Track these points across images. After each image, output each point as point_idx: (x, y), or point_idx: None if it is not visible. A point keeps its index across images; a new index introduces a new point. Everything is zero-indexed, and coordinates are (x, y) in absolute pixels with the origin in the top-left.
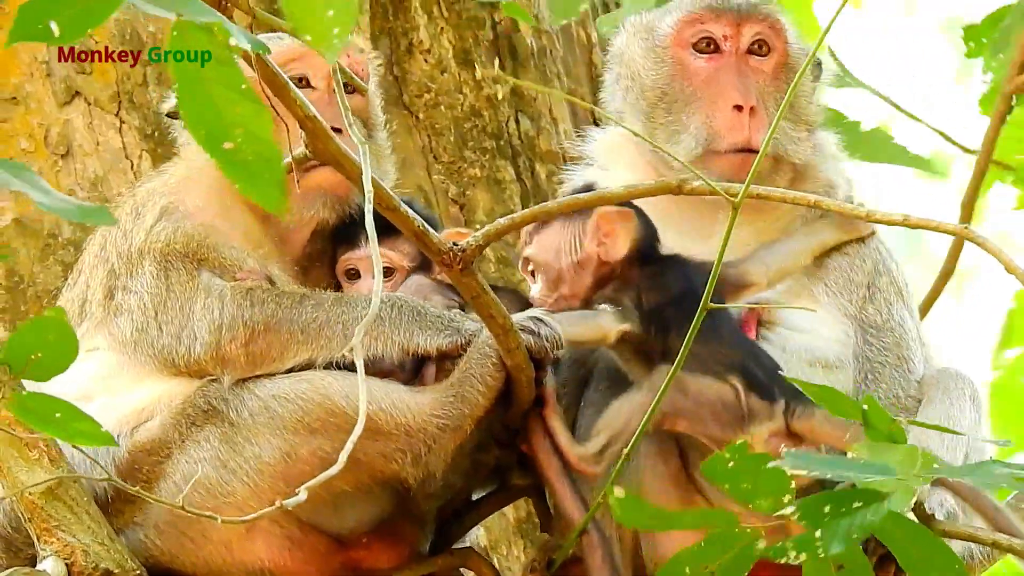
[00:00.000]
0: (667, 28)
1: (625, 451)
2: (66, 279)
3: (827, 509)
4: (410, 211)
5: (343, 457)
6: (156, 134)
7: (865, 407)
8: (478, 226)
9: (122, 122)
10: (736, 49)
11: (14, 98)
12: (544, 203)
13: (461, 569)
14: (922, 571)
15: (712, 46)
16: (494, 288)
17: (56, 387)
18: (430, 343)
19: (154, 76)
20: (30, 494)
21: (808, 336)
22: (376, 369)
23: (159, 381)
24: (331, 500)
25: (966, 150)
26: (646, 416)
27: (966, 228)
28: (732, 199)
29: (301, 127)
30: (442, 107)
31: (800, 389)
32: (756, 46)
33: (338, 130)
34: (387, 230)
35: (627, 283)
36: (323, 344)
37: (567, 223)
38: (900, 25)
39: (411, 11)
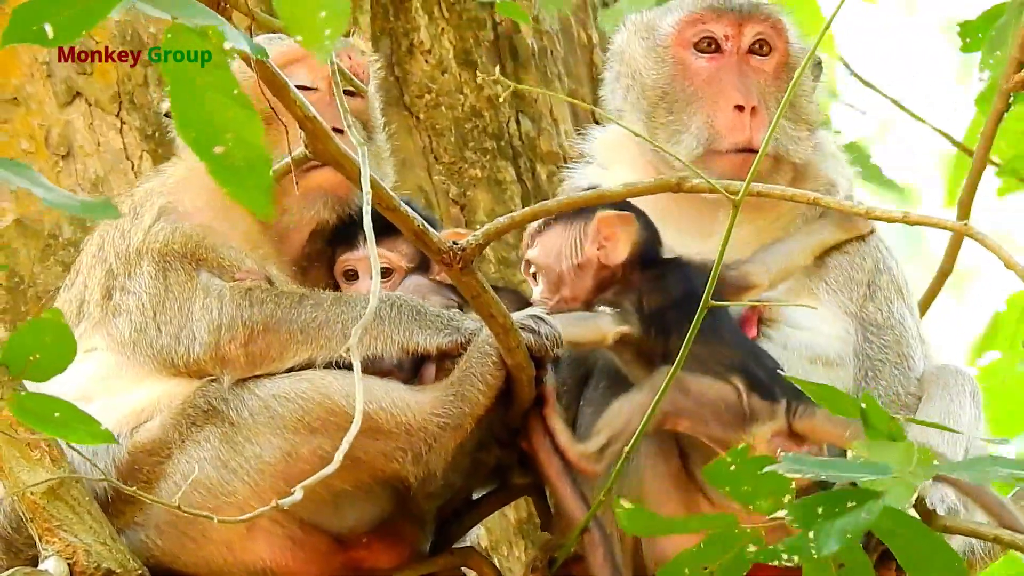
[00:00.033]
0: (668, 28)
1: (626, 450)
2: None
3: (820, 510)
4: (410, 210)
5: (339, 456)
6: (157, 135)
7: (864, 405)
8: (478, 227)
9: (123, 123)
10: (737, 49)
11: (15, 99)
12: (544, 201)
13: (462, 568)
14: (921, 568)
15: (713, 46)
16: (494, 288)
17: (55, 388)
18: (430, 342)
19: (155, 77)
20: (32, 494)
21: (809, 333)
22: (375, 369)
23: (158, 381)
24: (332, 499)
25: (968, 151)
26: (646, 416)
27: (966, 224)
28: (732, 197)
29: (301, 127)
30: (443, 108)
31: (801, 389)
32: (757, 46)
33: (338, 131)
34: (385, 231)
35: (628, 286)
36: (323, 344)
37: (568, 226)
38: (900, 25)
39: (412, 12)
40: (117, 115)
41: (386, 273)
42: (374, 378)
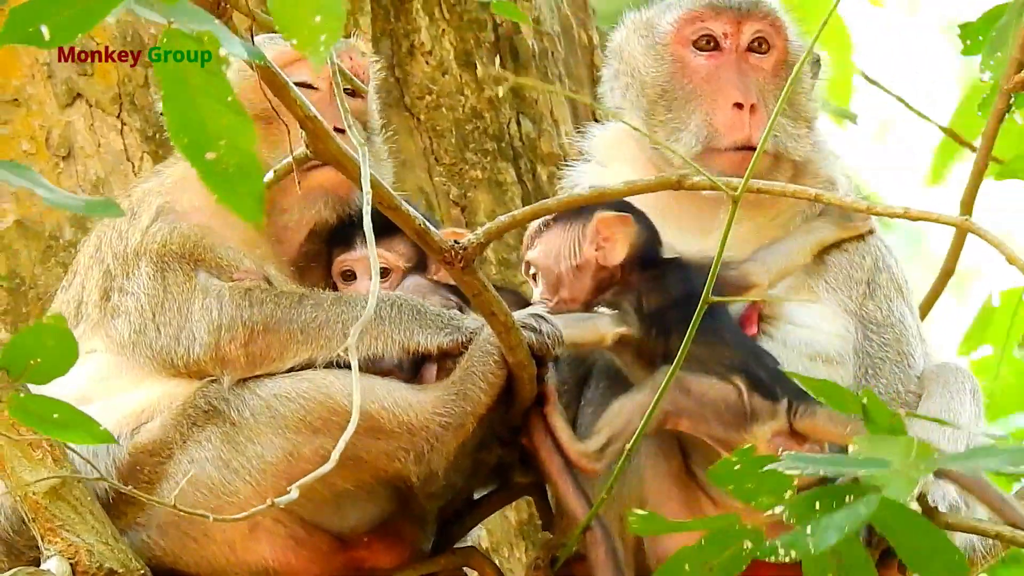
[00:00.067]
0: (667, 25)
1: (627, 448)
2: None
3: (818, 505)
4: (411, 210)
5: (335, 455)
6: (157, 136)
7: (865, 400)
8: (479, 227)
9: (123, 124)
10: (736, 47)
11: (15, 100)
12: (544, 200)
13: (463, 568)
14: (921, 563)
15: (712, 44)
16: (495, 288)
17: (55, 389)
18: (431, 341)
19: (155, 78)
20: (34, 494)
21: (809, 331)
22: (376, 368)
23: (158, 382)
24: (334, 499)
25: (972, 148)
26: (646, 416)
27: (967, 220)
28: (732, 193)
29: (302, 127)
30: (443, 109)
31: (803, 388)
32: (756, 44)
33: (339, 131)
34: (383, 231)
35: (627, 287)
36: (323, 343)
37: (568, 227)
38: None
39: (413, 13)
40: (118, 116)
41: (384, 273)
42: (375, 378)
